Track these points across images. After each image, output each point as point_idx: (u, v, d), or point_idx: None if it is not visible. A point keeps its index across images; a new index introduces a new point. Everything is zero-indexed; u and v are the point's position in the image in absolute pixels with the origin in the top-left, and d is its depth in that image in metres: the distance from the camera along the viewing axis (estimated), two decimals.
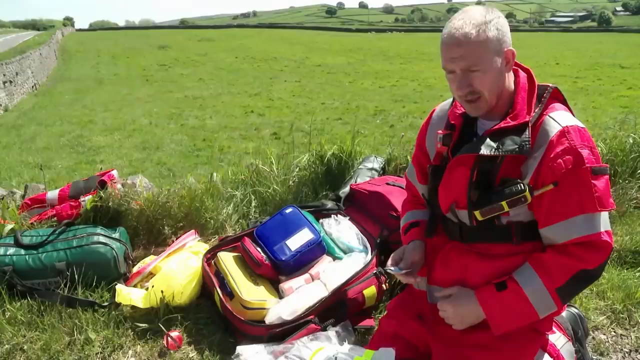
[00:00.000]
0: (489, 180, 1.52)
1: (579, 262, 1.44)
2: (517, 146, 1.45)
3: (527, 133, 1.46)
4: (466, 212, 1.57)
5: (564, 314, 1.90)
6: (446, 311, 1.61)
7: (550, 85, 1.57)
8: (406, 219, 1.89)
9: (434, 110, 1.83)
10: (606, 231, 1.45)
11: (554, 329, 1.73)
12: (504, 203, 1.47)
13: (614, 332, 2.27)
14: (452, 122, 1.66)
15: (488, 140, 1.50)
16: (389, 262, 1.76)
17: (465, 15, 1.47)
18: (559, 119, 1.48)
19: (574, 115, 1.55)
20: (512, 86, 1.56)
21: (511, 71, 1.56)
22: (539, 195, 1.46)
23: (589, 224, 1.43)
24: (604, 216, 1.46)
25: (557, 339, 1.71)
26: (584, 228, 1.43)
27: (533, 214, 1.52)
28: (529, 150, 1.45)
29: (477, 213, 1.52)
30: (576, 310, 1.99)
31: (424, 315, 1.77)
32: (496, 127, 1.51)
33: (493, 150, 1.47)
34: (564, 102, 1.59)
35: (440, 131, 1.67)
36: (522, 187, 1.45)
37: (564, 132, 1.44)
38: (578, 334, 1.91)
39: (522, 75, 1.58)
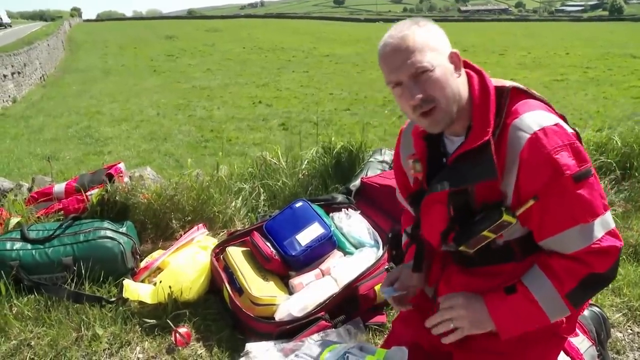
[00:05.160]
0: (469, 209, 1.41)
1: (585, 267, 1.34)
2: (483, 171, 1.34)
3: (489, 154, 1.33)
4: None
5: (586, 313, 1.83)
6: (454, 308, 1.45)
7: (507, 85, 1.40)
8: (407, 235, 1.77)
9: (401, 131, 1.69)
10: (608, 232, 1.33)
11: (577, 331, 1.66)
12: (486, 233, 1.37)
13: (631, 329, 2.21)
14: (415, 147, 1.55)
15: (452, 171, 1.41)
16: (383, 282, 1.66)
17: (395, 26, 1.38)
18: (524, 125, 1.32)
19: (546, 103, 1.41)
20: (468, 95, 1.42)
21: (465, 78, 1.42)
22: (526, 211, 1.36)
23: (584, 234, 1.32)
24: (601, 219, 1.33)
25: (581, 342, 1.65)
26: (580, 240, 1.33)
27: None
28: (496, 173, 1.33)
29: (463, 248, 1.43)
30: (599, 310, 1.92)
31: None
32: (457, 152, 1.40)
33: (458, 183, 1.38)
34: (527, 93, 1.42)
35: (409, 157, 1.57)
36: (499, 215, 1.34)
37: (533, 141, 1.31)
38: (601, 336, 1.85)
39: (475, 80, 1.43)
